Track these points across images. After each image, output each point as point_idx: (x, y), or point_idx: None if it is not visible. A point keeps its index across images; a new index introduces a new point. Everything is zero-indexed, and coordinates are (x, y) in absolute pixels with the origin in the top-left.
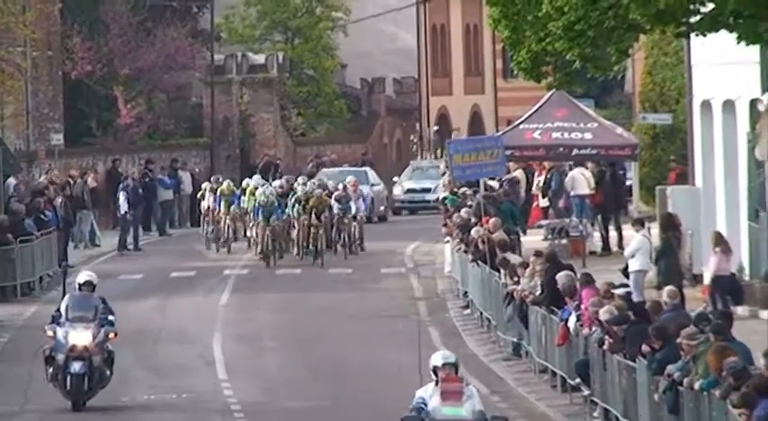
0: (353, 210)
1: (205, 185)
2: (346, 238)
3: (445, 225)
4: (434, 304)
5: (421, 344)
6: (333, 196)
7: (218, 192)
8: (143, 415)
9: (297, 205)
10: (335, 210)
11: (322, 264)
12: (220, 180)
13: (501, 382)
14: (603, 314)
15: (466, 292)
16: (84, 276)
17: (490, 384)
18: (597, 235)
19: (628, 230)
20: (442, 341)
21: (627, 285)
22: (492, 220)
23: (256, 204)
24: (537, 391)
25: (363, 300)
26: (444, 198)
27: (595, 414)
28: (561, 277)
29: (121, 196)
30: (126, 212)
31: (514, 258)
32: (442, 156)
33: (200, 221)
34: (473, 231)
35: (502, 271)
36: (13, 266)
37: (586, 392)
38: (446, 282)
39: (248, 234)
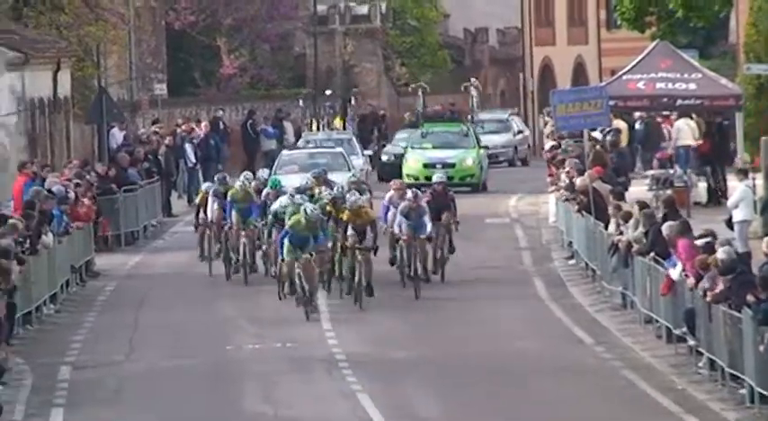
0: (428, 229)
1: (206, 187)
2: (418, 268)
3: (550, 175)
4: (539, 254)
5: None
6: (399, 209)
7: (228, 197)
8: (249, 364)
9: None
10: (403, 228)
11: (360, 305)
12: (227, 179)
13: (606, 333)
14: (721, 252)
15: (570, 243)
16: None
17: (595, 334)
18: (702, 185)
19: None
20: (547, 291)
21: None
22: (589, 172)
23: (275, 221)
24: (642, 342)
25: (468, 250)
26: (553, 146)
27: (701, 364)
28: (666, 227)
29: (188, 148)
30: (195, 164)
31: (625, 206)
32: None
33: (201, 236)
34: (578, 181)
35: (612, 219)
36: (117, 216)
37: (692, 343)
38: (551, 232)
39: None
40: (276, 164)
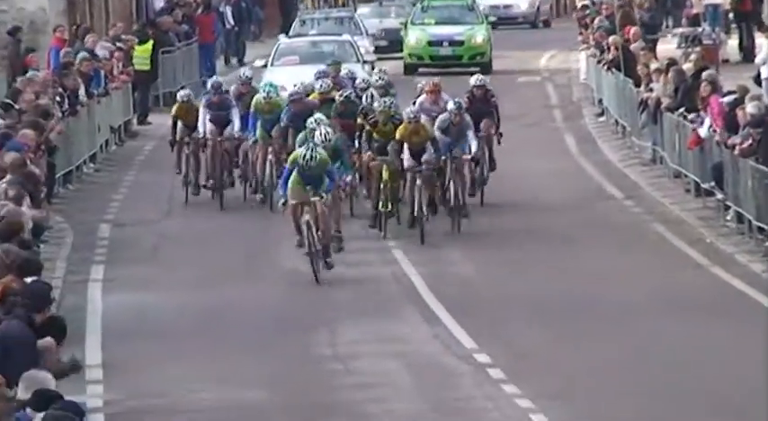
0: (474, 148)
1: (182, 95)
2: (459, 194)
3: (581, 34)
4: (570, 111)
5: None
6: (437, 124)
7: (251, 107)
8: (289, 224)
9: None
10: (440, 148)
11: (422, 239)
12: (223, 87)
13: (636, 187)
14: (751, 107)
15: (601, 100)
16: None
17: (626, 189)
18: (731, 43)
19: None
20: (577, 147)
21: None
22: (633, 30)
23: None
24: (671, 196)
25: (501, 108)
26: (584, 5)
27: (728, 217)
28: (706, 75)
29: (228, 10)
30: (233, 26)
31: (655, 63)
32: None
33: (179, 155)
34: (610, 39)
35: (642, 77)
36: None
37: (720, 196)
38: (581, 89)
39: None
40: (273, 54)
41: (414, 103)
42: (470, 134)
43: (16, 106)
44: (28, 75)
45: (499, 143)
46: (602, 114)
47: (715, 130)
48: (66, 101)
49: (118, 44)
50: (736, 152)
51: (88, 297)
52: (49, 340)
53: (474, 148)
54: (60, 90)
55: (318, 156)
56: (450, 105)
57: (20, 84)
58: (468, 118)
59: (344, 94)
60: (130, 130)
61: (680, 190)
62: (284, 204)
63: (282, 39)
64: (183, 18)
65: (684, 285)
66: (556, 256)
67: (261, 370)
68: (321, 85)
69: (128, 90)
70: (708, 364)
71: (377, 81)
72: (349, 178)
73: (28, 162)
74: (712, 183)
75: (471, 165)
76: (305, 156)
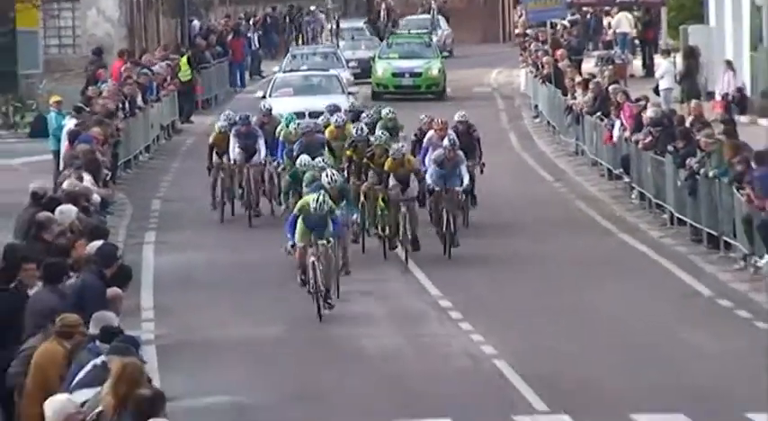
0: (465, 181)
1: (220, 125)
2: (451, 225)
3: (521, 55)
4: (513, 115)
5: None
6: (432, 157)
7: (279, 136)
8: None
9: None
10: (429, 181)
11: (406, 261)
12: (250, 118)
13: (563, 173)
14: (650, 112)
15: (536, 106)
16: None
17: (555, 174)
18: (636, 62)
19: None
20: (519, 143)
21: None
22: (560, 52)
23: (293, 183)
24: (590, 179)
25: (455, 110)
26: (525, 33)
27: (633, 196)
28: (614, 88)
29: (255, 36)
30: (258, 48)
31: (578, 78)
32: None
33: (215, 181)
34: (544, 59)
35: (569, 88)
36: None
37: (627, 180)
38: (521, 98)
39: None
40: (271, 86)
41: (415, 136)
42: (463, 168)
43: (87, 109)
44: (97, 85)
45: (482, 172)
46: (537, 117)
47: (625, 128)
48: (127, 105)
49: (167, 62)
50: (640, 146)
51: (143, 256)
52: (117, 290)
53: (465, 181)
54: (122, 97)
55: (328, 204)
56: (446, 142)
57: (91, 91)
58: (461, 154)
59: (359, 127)
60: (176, 128)
61: (596, 175)
62: (293, 247)
63: (278, 73)
64: (217, 41)
65: (599, 247)
66: (501, 225)
67: (277, 312)
68: (336, 120)
69: (174, 96)
70: (618, 306)
71: (387, 114)
72: (355, 216)
73: (97, 152)
74: (621, 170)
75: (462, 195)
76: (317, 199)
